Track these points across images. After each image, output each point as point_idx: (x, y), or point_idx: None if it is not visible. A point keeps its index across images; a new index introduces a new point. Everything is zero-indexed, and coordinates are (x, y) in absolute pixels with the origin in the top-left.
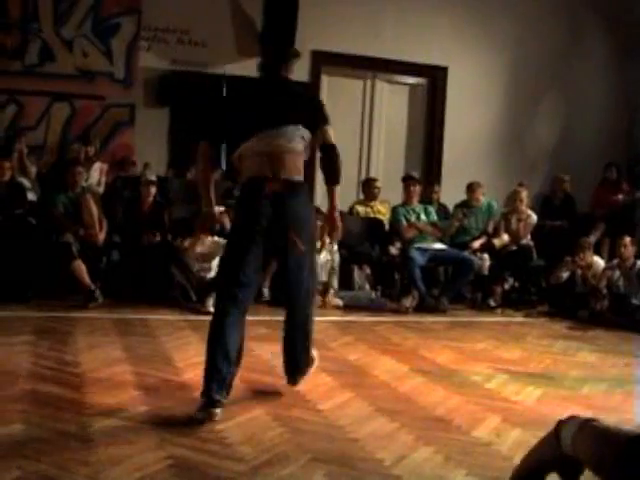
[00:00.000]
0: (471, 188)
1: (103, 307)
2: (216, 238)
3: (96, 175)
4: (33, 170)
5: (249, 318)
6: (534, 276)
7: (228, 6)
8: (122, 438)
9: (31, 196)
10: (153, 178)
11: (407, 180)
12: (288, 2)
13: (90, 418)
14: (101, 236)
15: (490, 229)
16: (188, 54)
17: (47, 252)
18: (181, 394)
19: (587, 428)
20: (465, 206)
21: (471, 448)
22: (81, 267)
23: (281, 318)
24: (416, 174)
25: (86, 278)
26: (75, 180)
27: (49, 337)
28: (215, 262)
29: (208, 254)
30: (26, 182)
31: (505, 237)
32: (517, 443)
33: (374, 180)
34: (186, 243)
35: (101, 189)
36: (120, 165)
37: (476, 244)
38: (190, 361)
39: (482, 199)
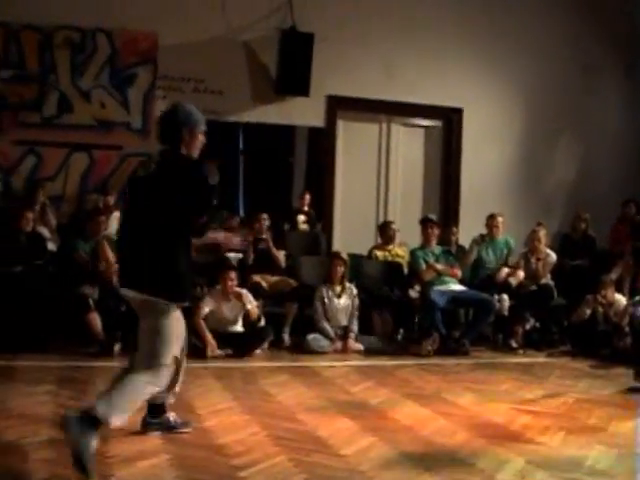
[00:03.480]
0: (491, 217)
1: (123, 355)
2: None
3: (115, 224)
4: (53, 220)
5: (269, 364)
6: (555, 315)
7: (243, 54)
8: None
9: (51, 246)
10: None
11: (425, 222)
12: (302, 49)
13: (112, 466)
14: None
15: (503, 273)
16: (204, 103)
17: (65, 302)
18: (203, 441)
19: None
20: (482, 238)
21: None
22: (96, 320)
23: (303, 364)
24: (434, 216)
25: (100, 331)
26: (98, 229)
27: (70, 386)
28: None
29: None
30: (46, 232)
31: (521, 274)
32: None
33: (390, 223)
34: (206, 308)
35: None
36: None
37: (503, 274)
38: (212, 408)
39: (501, 229)
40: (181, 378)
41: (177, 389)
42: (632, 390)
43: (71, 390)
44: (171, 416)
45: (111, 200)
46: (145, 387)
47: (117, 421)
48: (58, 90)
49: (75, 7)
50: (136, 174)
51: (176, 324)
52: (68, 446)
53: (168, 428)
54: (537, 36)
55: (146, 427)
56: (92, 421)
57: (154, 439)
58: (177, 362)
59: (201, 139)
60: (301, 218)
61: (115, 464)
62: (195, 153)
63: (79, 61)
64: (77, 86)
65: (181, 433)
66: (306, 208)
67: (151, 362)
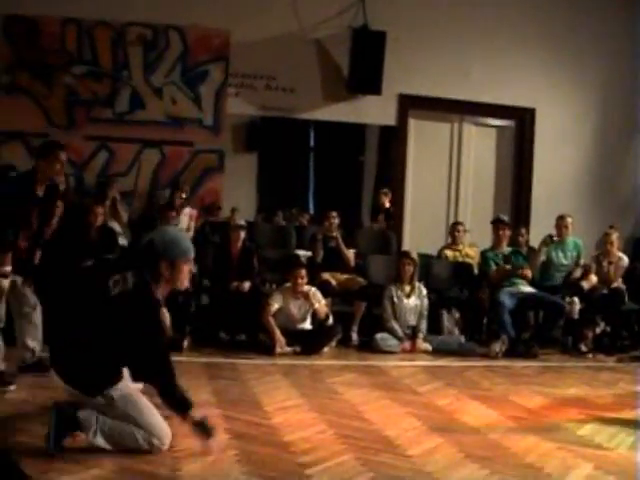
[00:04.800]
0: (561, 217)
1: (192, 351)
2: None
3: (186, 220)
4: (124, 216)
5: (337, 362)
6: (626, 320)
7: (315, 52)
8: None
9: (122, 241)
10: (242, 223)
11: (497, 223)
12: (375, 47)
13: (179, 461)
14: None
15: (577, 273)
16: (275, 100)
17: None
18: (270, 438)
19: None
20: (551, 239)
21: None
22: (164, 315)
23: (371, 363)
24: (506, 217)
25: (168, 327)
26: (167, 224)
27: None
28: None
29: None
30: (117, 227)
31: (594, 279)
32: None
33: (459, 224)
34: (275, 305)
35: (190, 234)
36: (207, 210)
37: (576, 276)
38: (279, 405)
39: (570, 230)
40: None
41: None
42: None
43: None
44: None
45: (182, 196)
46: (133, 444)
47: (94, 442)
48: (130, 86)
49: (148, 4)
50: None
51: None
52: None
53: None
54: (611, 34)
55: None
56: (73, 421)
57: (221, 435)
58: None
59: (186, 270)
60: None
61: (182, 458)
62: (182, 285)
63: (151, 58)
64: (149, 82)
65: None
66: (387, 205)
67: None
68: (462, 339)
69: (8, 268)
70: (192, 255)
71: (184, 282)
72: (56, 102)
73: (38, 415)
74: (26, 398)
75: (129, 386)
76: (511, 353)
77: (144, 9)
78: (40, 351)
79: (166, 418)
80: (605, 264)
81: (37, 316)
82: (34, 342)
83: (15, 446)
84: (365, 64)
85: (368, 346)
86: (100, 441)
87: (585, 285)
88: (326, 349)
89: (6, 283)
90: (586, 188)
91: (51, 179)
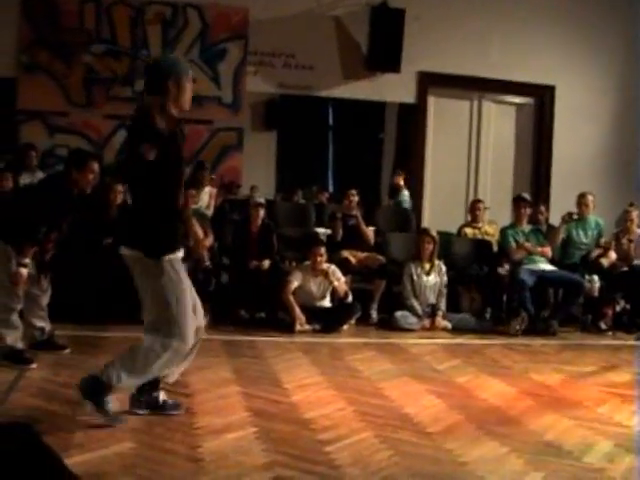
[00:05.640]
0: (582, 195)
1: (212, 328)
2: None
3: (206, 198)
4: None
5: (356, 340)
6: None
7: (333, 30)
8: (231, 459)
9: None
10: (262, 200)
11: (518, 201)
12: (394, 25)
13: (199, 438)
14: (207, 242)
15: (596, 251)
16: (294, 78)
17: None
18: (290, 415)
19: None
20: (570, 216)
21: (583, 474)
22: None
23: (390, 340)
24: (527, 195)
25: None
26: (187, 203)
27: None
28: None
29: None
30: None
31: (613, 256)
32: (631, 469)
33: (479, 201)
34: (295, 282)
35: (210, 212)
36: (226, 188)
37: (594, 254)
38: (299, 383)
39: (591, 207)
40: (191, 357)
41: (182, 368)
42: None
43: None
44: (161, 395)
45: (203, 174)
46: (156, 360)
47: (124, 386)
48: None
49: None
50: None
51: (171, 286)
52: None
53: (155, 408)
54: (631, 11)
55: (132, 405)
56: (99, 385)
57: (241, 412)
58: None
59: (189, 88)
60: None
61: (202, 436)
62: (186, 105)
63: (170, 36)
64: None
65: (169, 415)
66: (402, 183)
67: (159, 332)
68: (481, 317)
69: (28, 260)
70: (191, 74)
71: (188, 102)
72: (75, 81)
73: (59, 393)
74: (47, 376)
75: (184, 277)
76: (530, 331)
77: None
78: (50, 330)
79: (187, 396)
80: (625, 241)
81: (44, 299)
82: (40, 322)
83: (36, 424)
84: (384, 42)
85: (387, 324)
86: (126, 380)
87: (605, 262)
88: (345, 327)
89: (25, 272)
90: (606, 165)
91: (82, 189)
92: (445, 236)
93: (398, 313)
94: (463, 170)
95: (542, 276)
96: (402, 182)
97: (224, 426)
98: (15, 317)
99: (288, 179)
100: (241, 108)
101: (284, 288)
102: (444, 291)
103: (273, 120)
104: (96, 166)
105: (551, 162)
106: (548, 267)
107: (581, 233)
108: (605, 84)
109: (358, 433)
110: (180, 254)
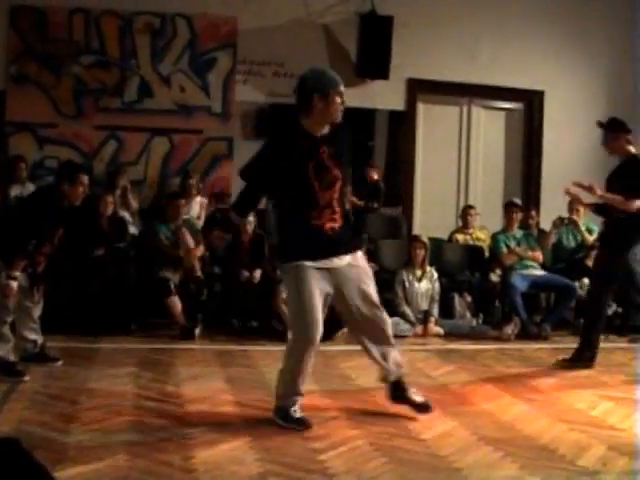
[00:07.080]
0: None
1: (204, 338)
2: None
3: (197, 208)
4: (135, 204)
5: (349, 348)
6: (638, 301)
7: (323, 38)
8: (225, 469)
9: (132, 230)
10: None
11: (509, 206)
12: (383, 32)
13: (193, 449)
14: (198, 252)
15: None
16: (284, 86)
17: (146, 285)
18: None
19: None
20: (561, 221)
21: (577, 478)
22: (176, 304)
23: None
24: (519, 201)
25: (180, 315)
26: (177, 213)
27: (152, 368)
28: None
29: None
30: (128, 216)
31: None
32: (624, 473)
33: (471, 207)
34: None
35: (201, 222)
36: (217, 198)
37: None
38: None
39: (582, 213)
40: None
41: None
42: None
43: (152, 372)
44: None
45: (192, 184)
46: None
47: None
48: (138, 75)
49: None
50: None
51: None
52: None
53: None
54: (621, 17)
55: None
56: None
57: (234, 422)
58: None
59: (338, 101)
60: None
61: (196, 446)
62: (336, 117)
63: (159, 46)
64: (157, 71)
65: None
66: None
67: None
68: (474, 322)
69: (18, 273)
70: (342, 86)
71: (338, 114)
72: (64, 92)
73: (51, 406)
74: (38, 389)
75: (308, 277)
76: (523, 336)
77: None
78: (42, 343)
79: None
80: None
81: (37, 311)
82: (32, 334)
83: (28, 437)
84: (373, 49)
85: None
86: None
87: (590, 264)
88: (338, 334)
89: (15, 285)
90: (596, 171)
91: (72, 201)
92: (436, 242)
93: (390, 320)
94: (453, 176)
95: (534, 281)
96: (376, 176)
97: (218, 436)
98: (6, 329)
99: None
100: (231, 117)
101: (276, 297)
102: (436, 297)
103: (263, 129)
104: (86, 179)
105: (541, 167)
106: (540, 272)
107: (570, 238)
108: (594, 89)
109: (352, 441)
110: None
